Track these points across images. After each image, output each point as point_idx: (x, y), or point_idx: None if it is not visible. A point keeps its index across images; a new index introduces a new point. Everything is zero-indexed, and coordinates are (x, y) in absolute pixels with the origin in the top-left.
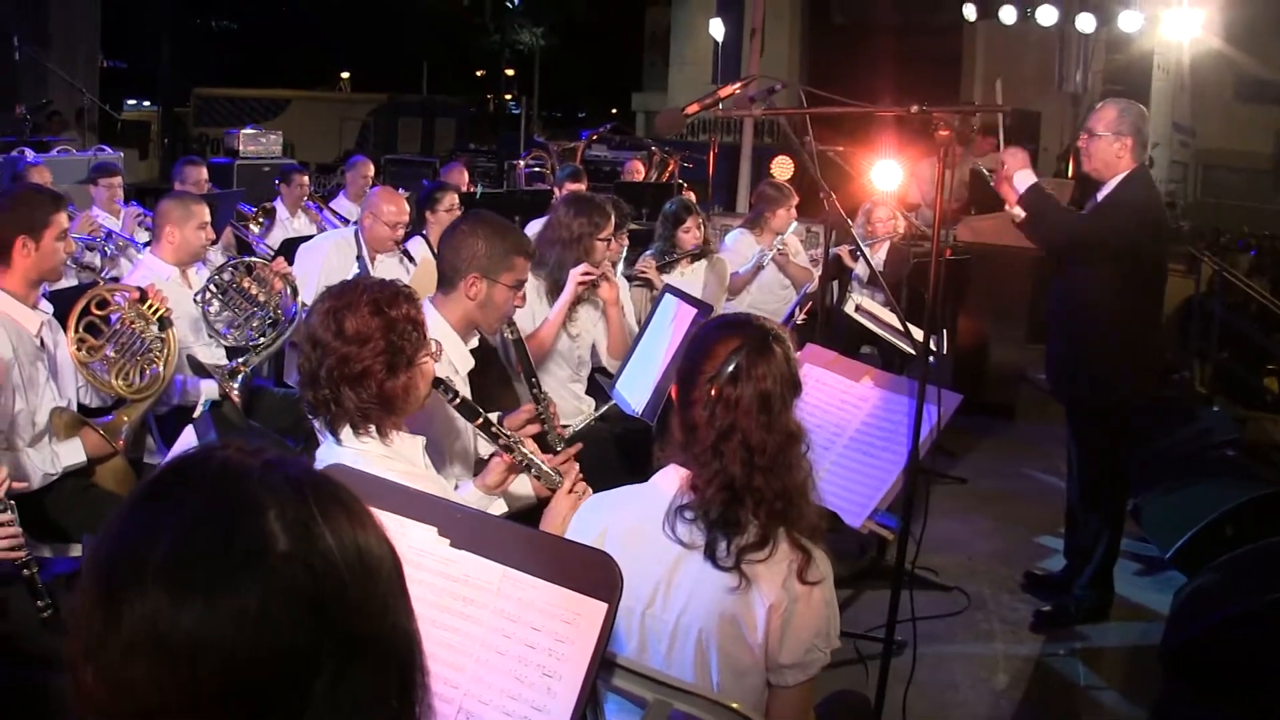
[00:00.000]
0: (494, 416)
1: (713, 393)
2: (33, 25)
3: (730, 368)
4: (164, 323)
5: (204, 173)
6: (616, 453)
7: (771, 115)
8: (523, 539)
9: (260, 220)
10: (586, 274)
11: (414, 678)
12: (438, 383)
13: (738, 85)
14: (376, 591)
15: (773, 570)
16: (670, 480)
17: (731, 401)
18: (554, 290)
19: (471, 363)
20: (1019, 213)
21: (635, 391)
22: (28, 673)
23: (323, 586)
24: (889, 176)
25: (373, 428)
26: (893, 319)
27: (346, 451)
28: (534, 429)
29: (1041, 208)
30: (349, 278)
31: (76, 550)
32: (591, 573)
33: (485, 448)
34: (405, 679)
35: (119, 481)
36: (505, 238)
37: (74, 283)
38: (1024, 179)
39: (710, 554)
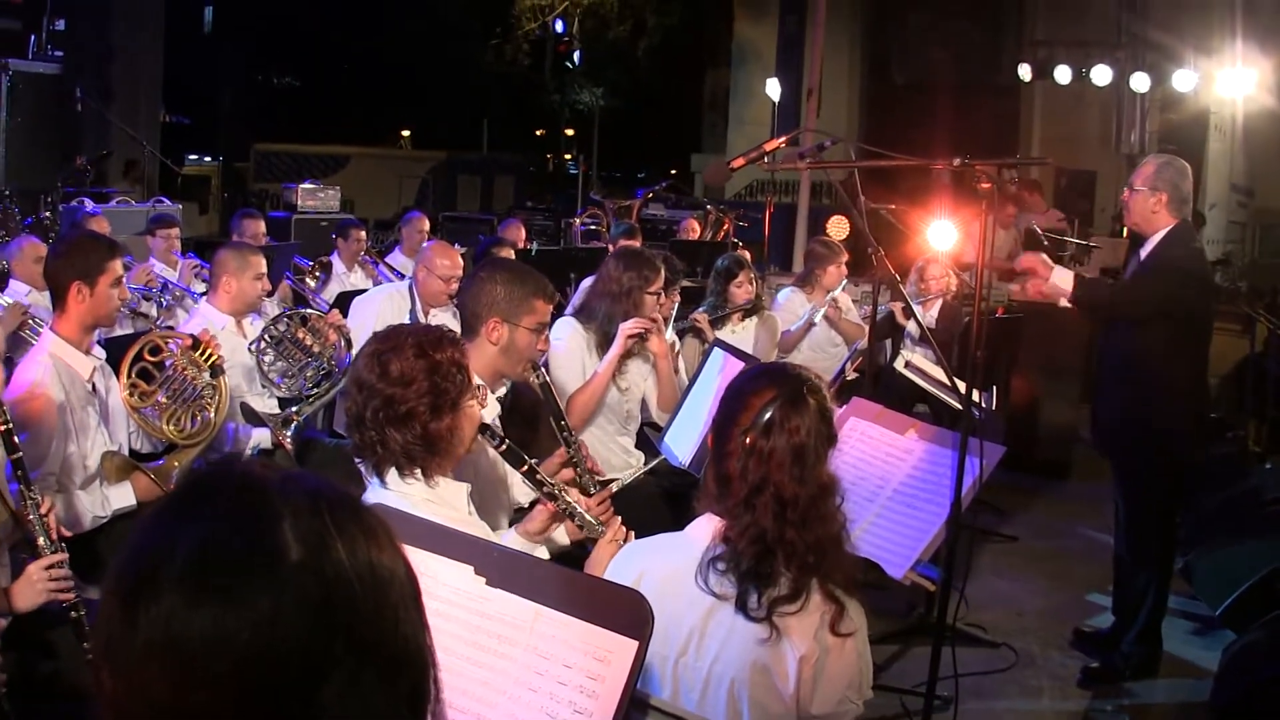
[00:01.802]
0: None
1: (746, 444)
2: (97, 78)
3: (764, 419)
4: (216, 370)
5: (261, 226)
6: (665, 507)
7: (818, 168)
8: (556, 578)
9: (316, 274)
10: (636, 327)
11: (425, 689)
12: (484, 428)
13: (783, 139)
14: (388, 602)
15: (804, 622)
16: (704, 530)
17: (765, 453)
18: (604, 343)
19: (498, 410)
20: (1065, 302)
21: (683, 444)
22: (72, 709)
23: (334, 595)
24: (943, 236)
25: (418, 470)
26: (942, 375)
27: (390, 494)
28: (568, 474)
29: (1091, 297)
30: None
31: None
32: (622, 611)
33: (522, 494)
34: (416, 690)
35: None
36: (524, 281)
37: (129, 330)
38: (1062, 278)
39: (742, 605)
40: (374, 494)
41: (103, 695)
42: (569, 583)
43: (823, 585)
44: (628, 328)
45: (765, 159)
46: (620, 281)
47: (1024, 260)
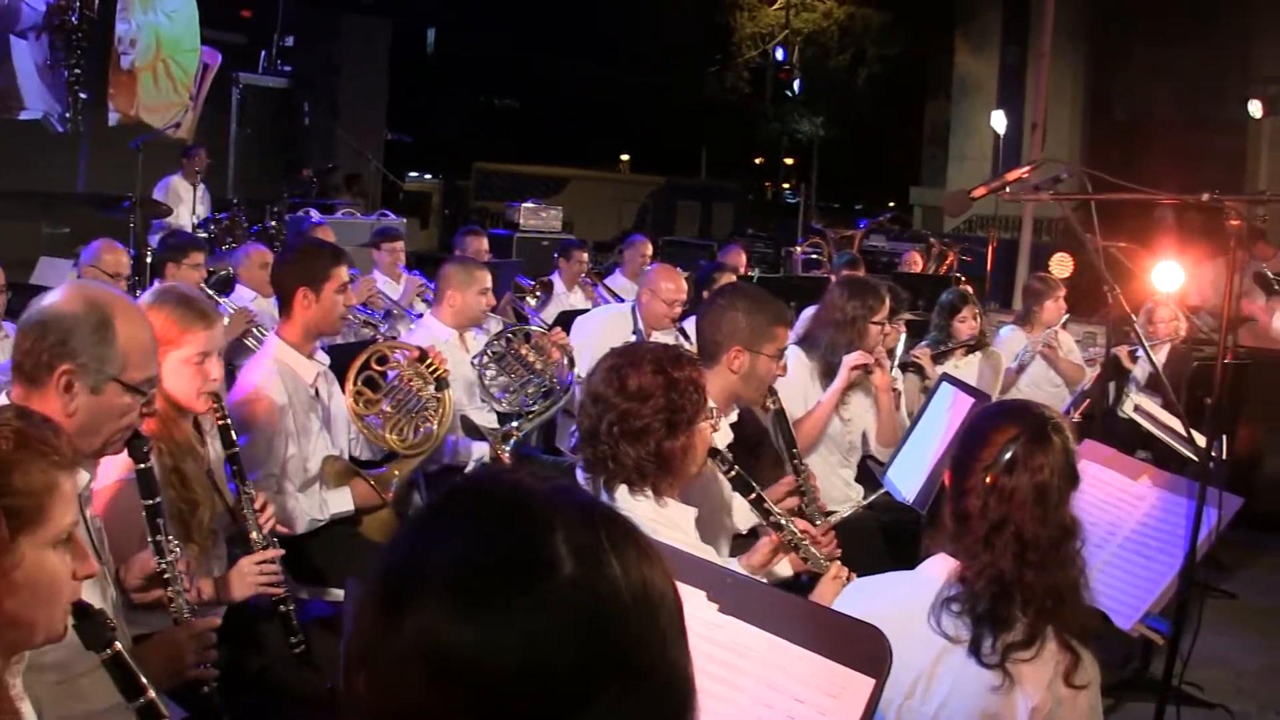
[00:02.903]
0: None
1: (987, 482)
2: (324, 94)
3: (1006, 457)
4: (441, 383)
5: (484, 243)
6: (883, 542)
7: (1059, 200)
8: (791, 608)
9: (537, 294)
10: (861, 360)
11: (687, 719)
12: (714, 452)
13: (1025, 169)
14: (658, 626)
15: (1039, 670)
16: (938, 570)
17: (1006, 492)
18: (826, 372)
19: (731, 437)
20: None
21: (907, 479)
22: (278, 705)
23: (605, 614)
24: (1170, 277)
25: (648, 489)
26: (1174, 422)
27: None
28: (793, 502)
29: None
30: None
31: (334, 595)
32: (860, 647)
33: (742, 522)
34: (679, 718)
35: (385, 533)
36: (764, 308)
37: (352, 338)
38: None
39: (975, 649)
40: None
41: (355, 698)
42: (805, 614)
43: (1058, 633)
44: (852, 360)
45: (1007, 190)
46: (845, 310)
47: (1245, 305)
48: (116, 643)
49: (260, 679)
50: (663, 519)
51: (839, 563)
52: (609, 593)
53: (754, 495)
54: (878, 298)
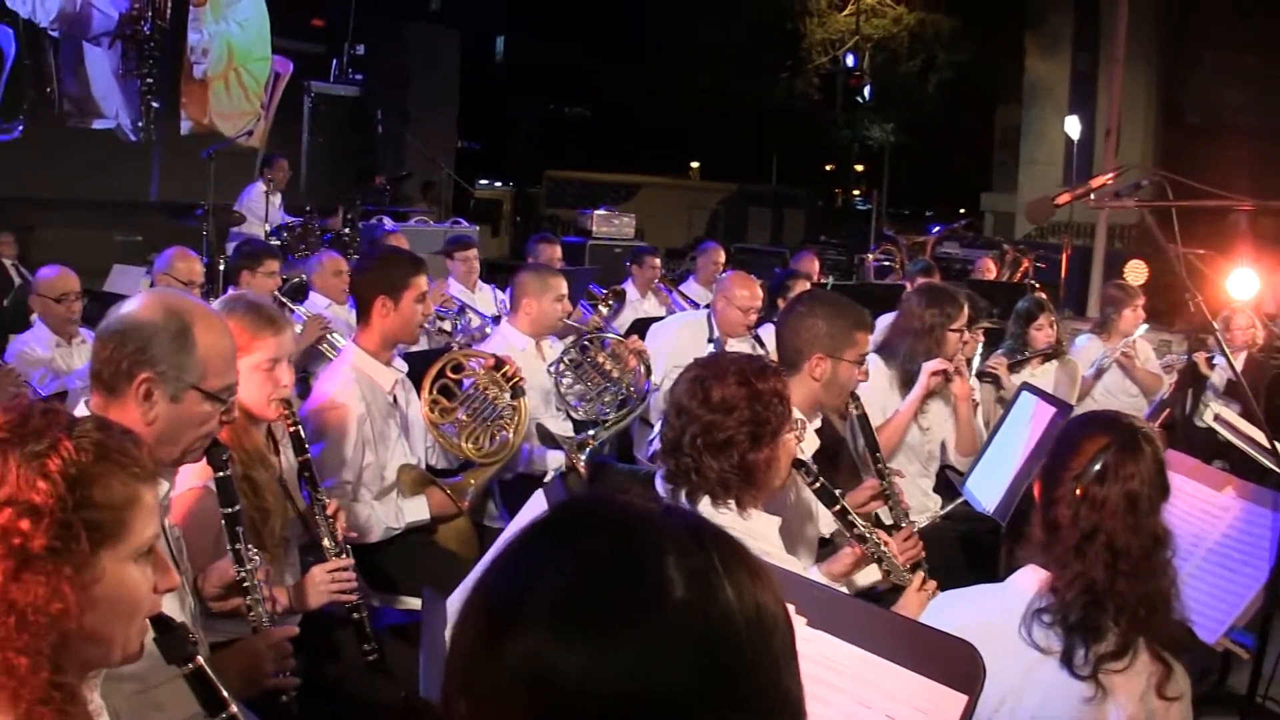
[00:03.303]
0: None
1: (1078, 492)
2: (395, 102)
3: (1097, 466)
4: (517, 391)
5: (558, 251)
6: (961, 552)
7: (1143, 207)
8: (881, 622)
9: (609, 303)
10: (940, 367)
11: None
12: (799, 463)
13: (1109, 176)
14: (771, 651)
15: (1131, 682)
16: (1029, 581)
17: (1098, 501)
18: (905, 381)
19: (817, 444)
20: None
21: (987, 490)
22: (353, 714)
23: (718, 640)
24: (1245, 284)
25: (731, 501)
26: (1254, 431)
27: None
28: (877, 505)
29: None
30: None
31: (409, 603)
32: (953, 663)
33: (824, 529)
34: None
35: (461, 542)
36: (845, 314)
37: (426, 346)
38: None
39: (1067, 660)
40: None
41: None
42: (896, 629)
43: (1150, 644)
44: (931, 367)
45: (1091, 196)
46: (923, 319)
47: None
48: (199, 656)
49: (335, 688)
50: (747, 530)
51: (923, 575)
52: (721, 617)
53: (838, 507)
54: (956, 305)
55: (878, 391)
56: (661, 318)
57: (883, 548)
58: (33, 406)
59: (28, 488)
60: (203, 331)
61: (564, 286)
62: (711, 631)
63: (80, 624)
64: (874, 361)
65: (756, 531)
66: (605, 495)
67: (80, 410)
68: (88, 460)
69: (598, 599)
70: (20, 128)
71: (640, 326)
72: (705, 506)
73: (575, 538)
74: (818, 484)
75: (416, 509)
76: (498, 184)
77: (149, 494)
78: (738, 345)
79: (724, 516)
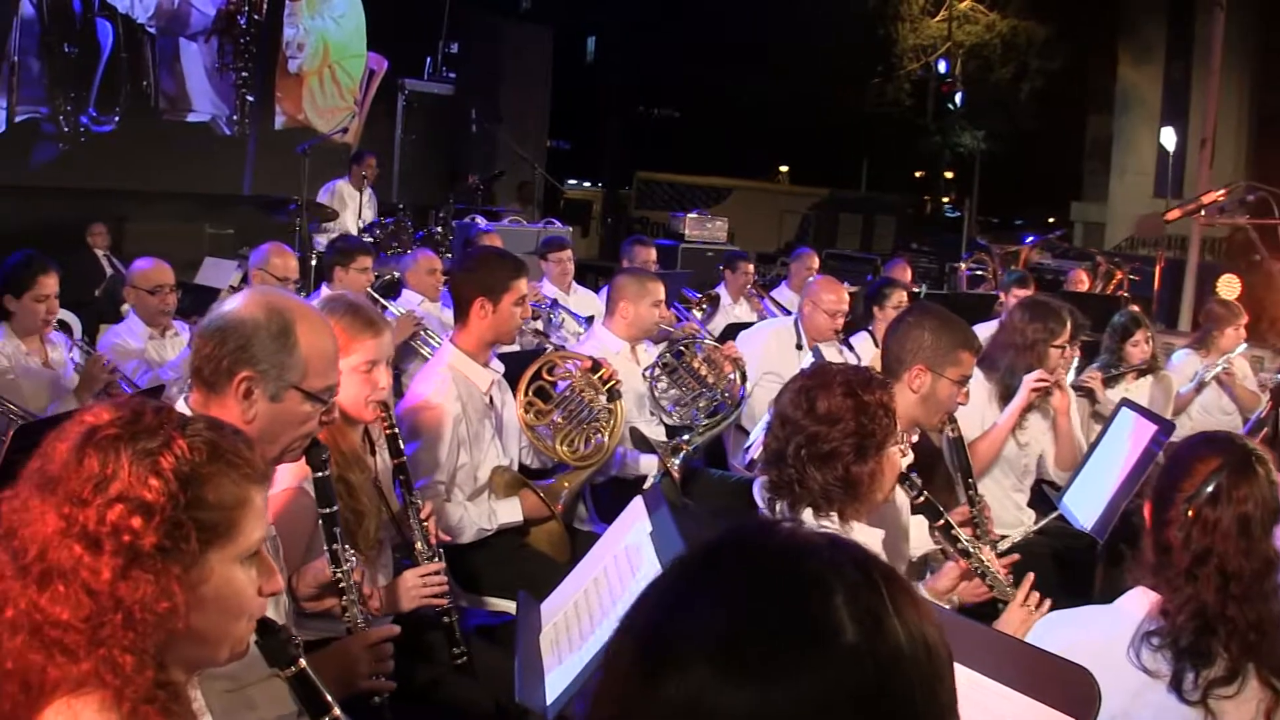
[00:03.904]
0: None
1: (1190, 514)
2: (488, 100)
3: (1210, 488)
4: (613, 394)
5: (653, 253)
6: (1054, 569)
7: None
8: (993, 644)
9: (703, 306)
10: (1040, 381)
11: None
12: (903, 477)
13: (1221, 192)
14: (940, 693)
15: (1241, 708)
16: (1138, 603)
17: (1210, 524)
18: (1004, 395)
19: (911, 458)
20: None
21: (1085, 506)
22: (442, 717)
23: (888, 683)
24: None
25: (834, 513)
26: None
27: None
28: (965, 531)
29: None
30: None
31: (497, 605)
32: (1067, 688)
33: (918, 547)
34: None
35: (553, 545)
36: (952, 331)
37: (516, 347)
38: None
39: (1176, 685)
40: None
41: None
42: (1010, 651)
43: (1259, 670)
44: (1031, 380)
45: (1202, 212)
46: (1025, 333)
47: None
48: (301, 660)
49: (424, 691)
50: None
51: (1035, 592)
52: (890, 659)
53: (942, 521)
54: (1059, 321)
55: (977, 404)
56: (753, 324)
57: (986, 563)
58: (144, 403)
59: (139, 485)
60: (305, 331)
61: (661, 291)
62: (881, 673)
63: (187, 624)
64: (975, 374)
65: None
66: (768, 525)
67: (179, 405)
68: (200, 459)
69: (764, 639)
70: (116, 120)
71: (733, 332)
72: (808, 518)
73: (740, 573)
74: (922, 498)
75: (509, 511)
76: (585, 184)
77: (259, 496)
78: (825, 350)
79: (826, 528)
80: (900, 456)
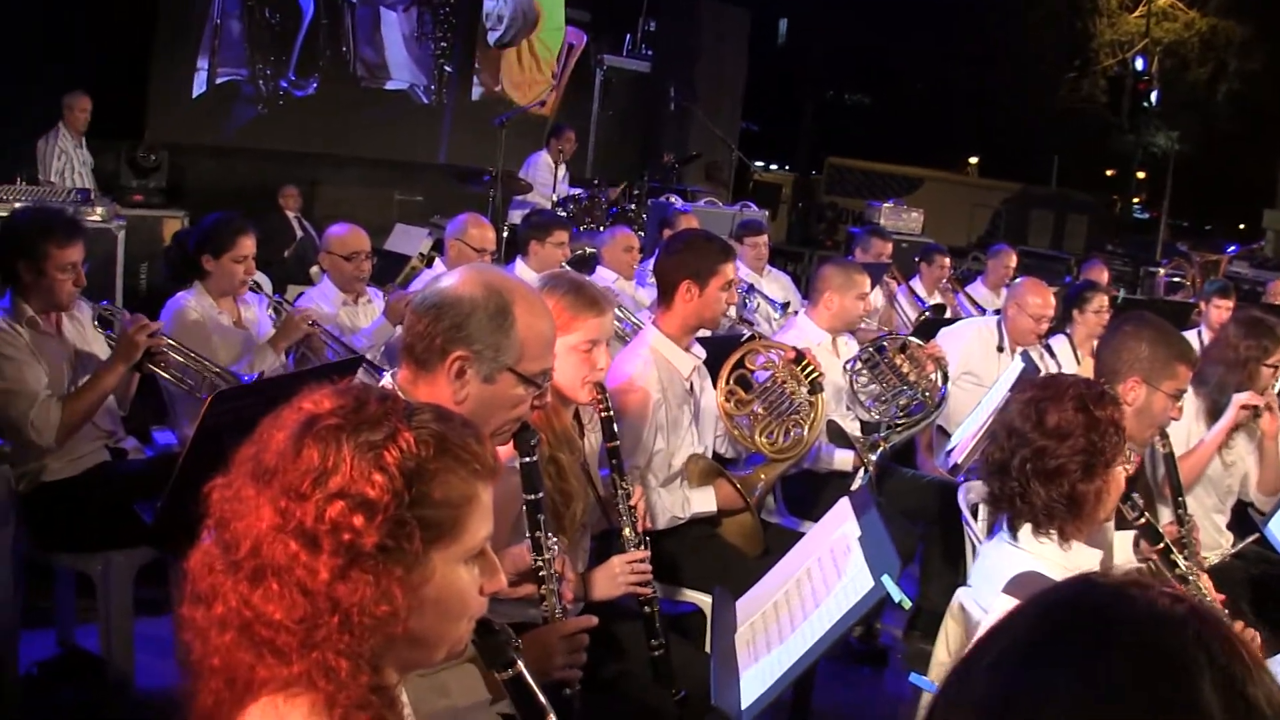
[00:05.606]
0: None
1: None
2: (684, 79)
3: None
4: (815, 386)
5: (889, 247)
6: (1250, 595)
7: None
8: None
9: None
10: (1253, 401)
11: None
12: (1124, 497)
13: None
14: None
15: None
16: None
17: None
18: (1212, 411)
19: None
20: None
21: None
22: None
23: None
24: None
25: (1054, 531)
26: None
27: (1022, 554)
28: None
29: None
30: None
31: (687, 595)
32: None
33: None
34: None
35: (745, 538)
36: (1170, 343)
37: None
38: None
39: None
40: (1000, 549)
41: None
42: None
43: None
44: (1241, 400)
45: None
46: (1238, 350)
47: None
48: (519, 662)
49: (615, 682)
50: (1068, 564)
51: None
52: None
53: (1162, 545)
54: (1275, 340)
55: (1183, 419)
56: (947, 320)
57: (1204, 591)
58: (368, 391)
59: (362, 480)
60: (523, 312)
61: (867, 284)
62: None
63: (406, 627)
64: None
65: (1078, 564)
66: (1129, 594)
67: (385, 380)
68: (427, 454)
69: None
70: (314, 85)
71: (927, 327)
72: (1026, 534)
73: (1098, 645)
74: (1143, 519)
75: (703, 500)
76: (773, 166)
77: (486, 493)
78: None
79: (1045, 546)
80: (1125, 475)
